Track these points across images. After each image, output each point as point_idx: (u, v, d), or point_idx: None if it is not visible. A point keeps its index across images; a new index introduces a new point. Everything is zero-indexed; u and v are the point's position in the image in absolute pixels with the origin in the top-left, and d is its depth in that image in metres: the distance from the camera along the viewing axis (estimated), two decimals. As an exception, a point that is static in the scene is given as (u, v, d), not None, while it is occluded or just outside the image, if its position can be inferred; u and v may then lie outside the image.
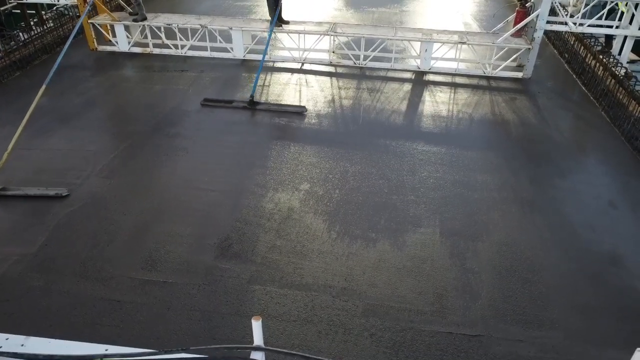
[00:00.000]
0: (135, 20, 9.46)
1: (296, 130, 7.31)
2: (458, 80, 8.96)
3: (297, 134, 7.24)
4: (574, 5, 10.46)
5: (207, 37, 9.45)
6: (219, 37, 9.41)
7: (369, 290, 4.64)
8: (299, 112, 7.70)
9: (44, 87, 6.74)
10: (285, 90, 8.50)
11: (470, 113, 7.89)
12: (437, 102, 8.14)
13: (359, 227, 5.43)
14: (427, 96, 8.37)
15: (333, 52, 9.41)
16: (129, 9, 9.90)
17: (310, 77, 8.94)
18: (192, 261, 4.92)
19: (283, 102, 8.07)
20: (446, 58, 9.05)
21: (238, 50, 9.43)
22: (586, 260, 5.08)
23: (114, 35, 9.74)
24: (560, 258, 5.10)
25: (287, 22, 9.29)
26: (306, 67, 9.34)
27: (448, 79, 9.01)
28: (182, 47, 9.59)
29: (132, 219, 5.46)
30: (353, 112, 7.83)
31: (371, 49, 9.14)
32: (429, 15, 12.42)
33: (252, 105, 7.79)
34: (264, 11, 12.16)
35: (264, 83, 8.73)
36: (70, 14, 10.51)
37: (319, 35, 9.21)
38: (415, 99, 8.31)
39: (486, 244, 5.23)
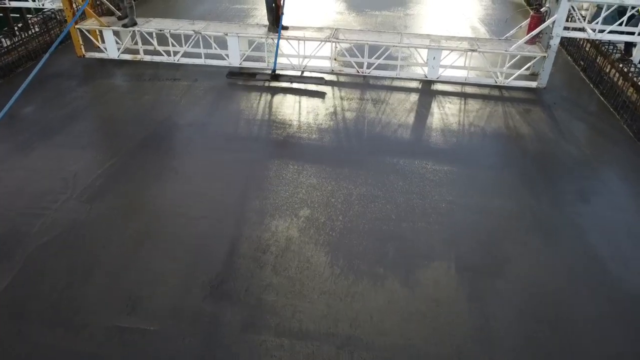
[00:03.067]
0: (124, 26, 8.90)
1: (296, 147, 6.76)
2: (468, 90, 8.41)
3: (297, 150, 6.68)
4: (586, 9, 9.95)
5: (201, 43, 8.89)
6: (213, 44, 8.85)
7: (377, 340, 4.09)
8: (319, 83, 8.33)
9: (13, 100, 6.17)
10: (283, 101, 7.94)
11: (482, 127, 7.34)
12: (446, 115, 7.59)
13: (365, 260, 4.89)
14: (435, 108, 7.82)
15: (335, 60, 8.85)
16: (119, 13, 9.34)
17: (310, 86, 8.38)
18: (177, 303, 4.38)
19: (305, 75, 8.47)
20: (455, 66, 8.49)
21: (234, 57, 8.87)
22: (619, 302, 4.53)
23: (103, 42, 9.19)
24: (589, 298, 4.56)
25: (286, 28, 8.74)
26: (306, 75, 8.77)
27: (457, 88, 8.45)
28: (175, 53, 9.03)
29: (112, 252, 4.91)
30: (357, 126, 7.28)
31: (375, 56, 8.58)
32: (435, 18, 11.86)
33: (275, 78, 8.39)
34: (262, 14, 11.63)
35: (260, 94, 8.17)
36: (59, 17, 9.95)
37: (320, 42, 8.65)
38: (423, 111, 7.76)
39: (507, 282, 4.68)
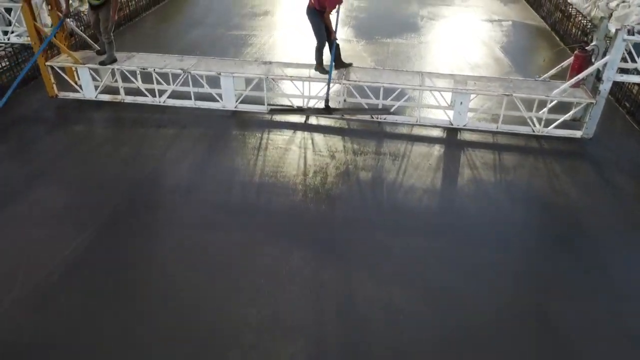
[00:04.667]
0: (102, 63, 7.71)
1: (300, 224, 5.52)
2: (500, 140, 7.20)
3: (301, 229, 5.44)
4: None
5: (191, 81, 7.70)
6: (205, 84, 7.66)
7: None
8: (382, 114, 7.36)
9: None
10: (286, 156, 6.72)
11: (525, 192, 6.14)
12: (480, 176, 6.37)
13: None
14: (465, 165, 6.61)
15: (344, 101, 7.64)
16: (97, 47, 8.15)
17: (317, 136, 7.17)
18: None
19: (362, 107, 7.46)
20: (486, 112, 7.30)
21: (228, 99, 7.68)
22: None
23: (79, 79, 8.00)
24: None
25: (349, 64, 7.69)
26: (312, 120, 7.58)
27: (488, 138, 7.24)
28: (161, 93, 7.84)
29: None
30: (374, 192, 6.06)
31: (392, 97, 7.39)
32: (452, 47, 10.68)
33: (328, 111, 7.29)
34: (260, 42, 10.48)
35: (259, 145, 6.96)
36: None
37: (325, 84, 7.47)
38: (451, 169, 6.55)
39: None
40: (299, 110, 7.51)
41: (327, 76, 7.21)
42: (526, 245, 5.29)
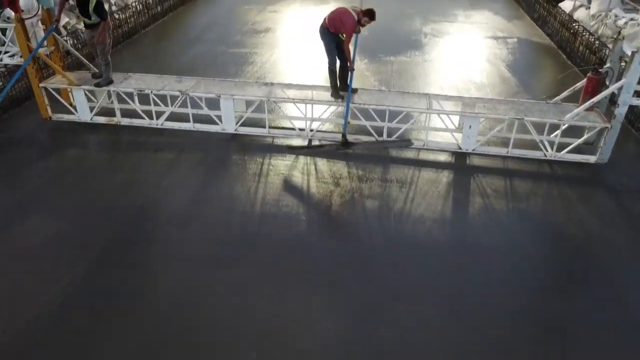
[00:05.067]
0: (98, 85, 7.46)
1: (303, 261, 5.21)
2: (511, 165, 6.92)
3: (304, 266, 5.14)
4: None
5: (189, 103, 7.44)
6: (204, 106, 7.39)
7: None
8: (405, 146, 7.03)
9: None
10: (288, 183, 6.44)
11: (539, 222, 5.85)
12: (492, 204, 6.08)
13: None
14: (475, 192, 6.32)
15: (348, 123, 7.35)
16: (94, 69, 7.91)
17: (319, 161, 6.88)
18: None
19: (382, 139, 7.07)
20: (497, 135, 7.03)
21: (228, 122, 7.41)
22: None
23: (74, 100, 7.73)
24: None
25: (355, 91, 7.22)
26: (314, 144, 7.29)
27: (498, 163, 6.96)
28: (158, 115, 7.57)
29: None
30: (381, 222, 5.76)
31: (397, 120, 7.12)
32: (457, 65, 10.45)
33: (346, 145, 6.74)
34: (262, 60, 10.25)
35: (260, 171, 6.67)
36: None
37: (328, 105, 7.22)
38: (461, 196, 6.27)
39: None
40: (316, 147, 7.09)
41: (342, 101, 6.96)
42: (541, 280, 4.99)
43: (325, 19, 6.76)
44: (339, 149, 6.79)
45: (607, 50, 9.49)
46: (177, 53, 11.03)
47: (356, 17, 6.52)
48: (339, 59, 6.92)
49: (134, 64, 10.02)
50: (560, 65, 10.70)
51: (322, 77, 8.98)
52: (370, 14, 6.56)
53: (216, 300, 4.64)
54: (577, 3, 12.75)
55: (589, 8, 12.28)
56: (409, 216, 5.84)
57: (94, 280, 4.86)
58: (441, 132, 7.33)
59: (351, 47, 6.70)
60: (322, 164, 6.84)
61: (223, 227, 5.61)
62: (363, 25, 6.66)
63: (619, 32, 10.78)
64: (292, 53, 10.99)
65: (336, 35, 6.72)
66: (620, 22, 11.03)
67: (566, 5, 13.24)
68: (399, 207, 5.98)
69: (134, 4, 12.28)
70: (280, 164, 6.80)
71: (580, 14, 12.37)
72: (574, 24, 11.20)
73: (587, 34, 10.44)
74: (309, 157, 6.95)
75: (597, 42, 10.06)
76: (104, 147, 7.37)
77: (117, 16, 11.42)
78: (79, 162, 6.93)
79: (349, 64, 6.77)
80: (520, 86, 9.43)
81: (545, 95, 8.75)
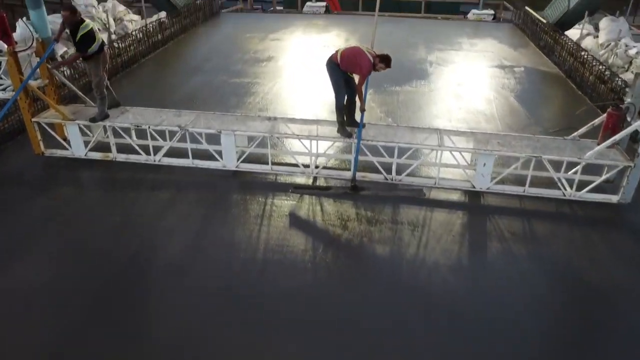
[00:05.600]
0: (93, 120, 7.13)
1: (311, 316, 4.78)
2: (528, 204, 6.54)
3: (314, 323, 4.71)
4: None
5: (188, 137, 7.11)
6: (204, 142, 7.06)
7: None
8: (417, 196, 6.53)
9: None
10: (292, 226, 6.04)
11: (561, 270, 5.45)
12: (510, 249, 5.69)
13: None
14: (493, 236, 5.93)
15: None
16: (89, 102, 7.60)
17: (325, 201, 6.50)
18: None
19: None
20: (513, 173, 6.67)
21: (229, 158, 7.06)
22: None
23: (67, 134, 7.40)
24: None
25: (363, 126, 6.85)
26: (320, 182, 6.92)
27: (514, 202, 6.58)
28: (156, 150, 7.22)
29: None
30: (393, 270, 5.36)
31: (406, 156, 6.78)
32: (465, 95, 10.17)
33: (355, 190, 6.40)
34: (264, 91, 9.97)
35: (263, 212, 6.29)
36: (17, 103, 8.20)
37: (334, 141, 6.90)
38: (477, 241, 5.88)
39: None
40: (322, 189, 6.66)
41: (349, 139, 6.64)
42: (564, 330, 4.56)
43: (336, 53, 6.45)
44: (346, 193, 6.38)
45: (619, 80, 9.22)
46: (178, 83, 10.77)
47: (372, 61, 6.22)
48: (347, 94, 6.61)
49: (133, 94, 9.76)
50: (570, 96, 10.43)
51: (326, 109, 8.73)
52: (386, 61, 6.27)
53: (217, 351, 4.20)
54: (584, 31, 12.57)
55: (597, 37, 12.10)
56: (423, 264, 5.44)
57: (84, 337, 4.42)
58: (452, 168, 6.96)
59: (363, 88, 6.41)
60: (329, 204, 6.46)
61: (223, 277, 5.20)
62: (377, 71, 6.37)
63: (631, 62, 10.56)
64: (294, 83, 10.72)
65: (346, 72, 6.43)
66: (632, 52, 10.81)
67: (572, 33, 13.07)
68: (412, 253, 5.58)
69: (134, 33, 12.08)
70: (284, 205, 6.42)
71: (588, 43, 12.19)
72: (582, 53, 10.97)
73: (597, 63, 10.19)
74: (314, 197, 6.56)
75: (607, 71, 9.80)
76: (99, 185, 7.01)
77: (116, 45, 11.19)
78: (72, 202, 6.54)
79: (360, 105, 6.47)
80: (531, 117, 9.13)
81: (558, 128, 8.51)
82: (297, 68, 11.70)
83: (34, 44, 7.26)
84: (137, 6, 16.28)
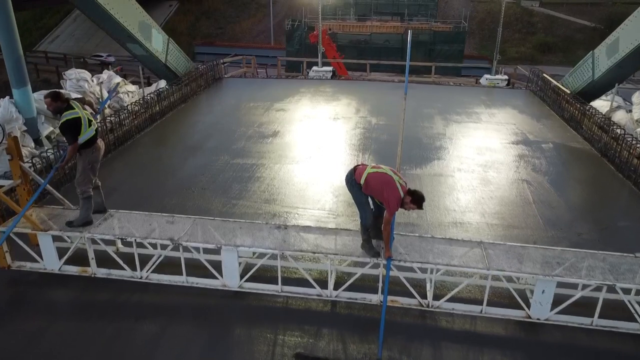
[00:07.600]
0: (70, 224, 6.03)
1: None
2: (600, 341, 5.32)
3: None
4: None
5: (182, 248, 5.95)
6: (202, 253, 5.91)
7: None
8: None
9: None
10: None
11: None
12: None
13: None
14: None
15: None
16: (68, 204, 6.50)
17: (347, 334, 5.25)
18: None
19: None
20: (579, 302, 5.46)
21: (230, 276, 5.88)
22: None
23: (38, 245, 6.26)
24: None
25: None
26: (340, 309, 5.70)
27: (581, 338, 5.36)
28: (143, 264, 6.04)
29: None
30: None
31: (441, 272, 5.60)
32: (493, 180, 9.16)
33: None
34: (270, 176, 8.93)
35: (272, 355, 5.03)
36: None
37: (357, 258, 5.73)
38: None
39: None
40: None
41: (376, 258, 5.51)
42: None
43: (357, 170, 5.45)
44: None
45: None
46: (175, 165, 9.75)
47: (402, 196, 5.16)
48: (374, 214, 5.55)
49: (124, 178, 8.77)
50: (610, 179, 9.40)
51: (340, 200, 7.70)
52: (418, 202, 5.22)
53: None
54: (614, 104, 11.70)
55: (631, 111, 11.20)
56: None
57: None
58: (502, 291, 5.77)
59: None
60: (351, 339, 5.23)
61: None
62: (404, 208, 5.30)
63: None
64: (303, 166, 9.69)
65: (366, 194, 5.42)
66: (676, 132, 9.84)
67: (599, 105, 12.21)
68: None
69: (129, 107, 11.18)
70: (297, 343, 5.19)
71: (620, 117, 11.28)
72: (615, 128, 10.04)
73: (633, 138, 9.24)
74: (334, 332, 5.33)
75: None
76: (72, 312, 5.78)
77: (107, 119, 10.24)
78: (37, 339, 5.30)
79: (386, 251, 5.37)
80: (575, 212, 8.02)
81: (605, 226, 7.48)
82: (305, 146, 10.72)
83: (4, 140, 6.23)
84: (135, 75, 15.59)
